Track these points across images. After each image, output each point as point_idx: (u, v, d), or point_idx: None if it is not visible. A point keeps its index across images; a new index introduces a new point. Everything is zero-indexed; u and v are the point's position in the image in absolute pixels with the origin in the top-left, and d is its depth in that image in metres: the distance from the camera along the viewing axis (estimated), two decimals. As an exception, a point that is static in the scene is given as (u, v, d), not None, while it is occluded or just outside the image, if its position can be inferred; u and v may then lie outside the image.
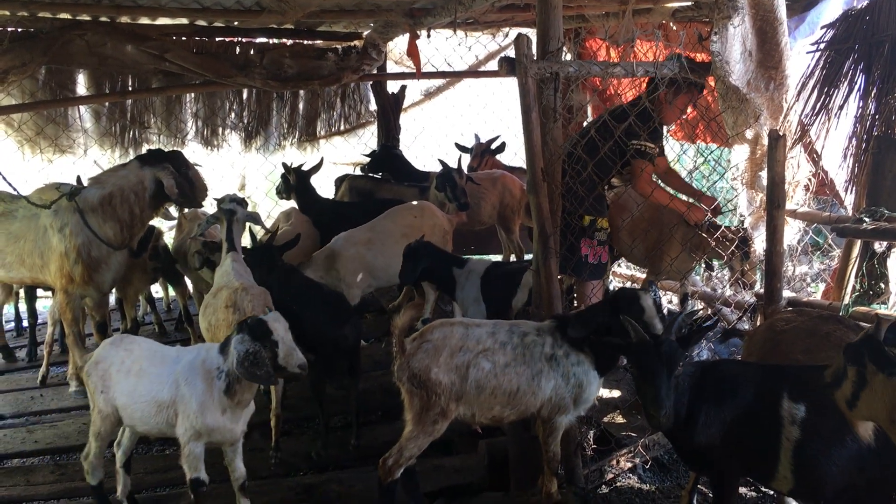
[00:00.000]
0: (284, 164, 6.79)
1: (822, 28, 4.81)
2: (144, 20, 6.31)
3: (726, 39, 3.93)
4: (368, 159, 7.37)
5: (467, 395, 3.21)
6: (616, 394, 4.81)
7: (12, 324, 7.12)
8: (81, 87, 7.07)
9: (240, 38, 6.87)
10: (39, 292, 6.69)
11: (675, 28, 5.97)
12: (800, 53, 4.80)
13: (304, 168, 6.70)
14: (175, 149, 5.69)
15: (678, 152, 8.04)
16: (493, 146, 7.34)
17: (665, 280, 6.30)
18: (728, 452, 2.87)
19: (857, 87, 4.48)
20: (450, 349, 3.21)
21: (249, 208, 4.77)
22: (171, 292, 7.35)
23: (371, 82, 8.16)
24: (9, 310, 6.86)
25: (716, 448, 2.88)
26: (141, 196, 4.98)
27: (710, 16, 4.12)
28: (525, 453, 3.71)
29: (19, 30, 5.97)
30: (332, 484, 3.91)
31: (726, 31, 3.91)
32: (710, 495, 3.46)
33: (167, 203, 5.19)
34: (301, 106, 8.22)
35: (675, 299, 6.37)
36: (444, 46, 7.96)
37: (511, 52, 3.79)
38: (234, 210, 4.57)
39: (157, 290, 7.60)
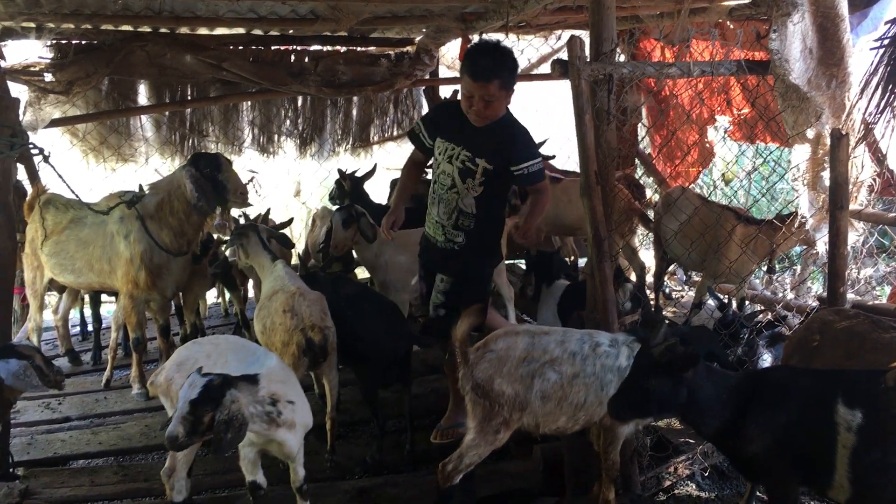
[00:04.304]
0: (340, 171, 6.86)
1: (885, 24, 4.67)
2: (203, 31, 6.45)
3: (785, 37, 3.84)
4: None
5: (531, 405, 3.14)
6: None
7: (78, 328, 7.34)
8: (142, 96, 7.27)
9: (294, 47, 6.97)
10: (103, 297, 6.89)
11: (731, 27, 5.86)
12: (862, 50, 4.66)
13: (358, 174, 6.76)
14: (209, 151, 5.66)
15: (736, 153, 7.91)
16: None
17: (723, 284, 6.20)
18: (782, 461, 2.78)
19: (923, 83, 4.34)
20: (514, 359, 3.14)
21: (304, 213, 4.84)
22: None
23: (423, 87, 8.20)
24: (74, 314, 7.05)
25: (769, 457, 2.79)
26: (182, 200, 5.01)
27: (768, 13, 4.02)
28: (581, 459, 3.67)
29: (83, 42, 6.18)
30: (386, 488, 3.92)
31: (785, 28, 3.82)
32: (770, 504, 3.37)
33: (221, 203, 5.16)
34: (354, 112, 8.30)
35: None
36: (496, 50, 7.94)
37: (564, 55, 3.77)
38: (256, 226, 4.83)
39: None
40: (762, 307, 5.80)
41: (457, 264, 3.85)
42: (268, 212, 6.48)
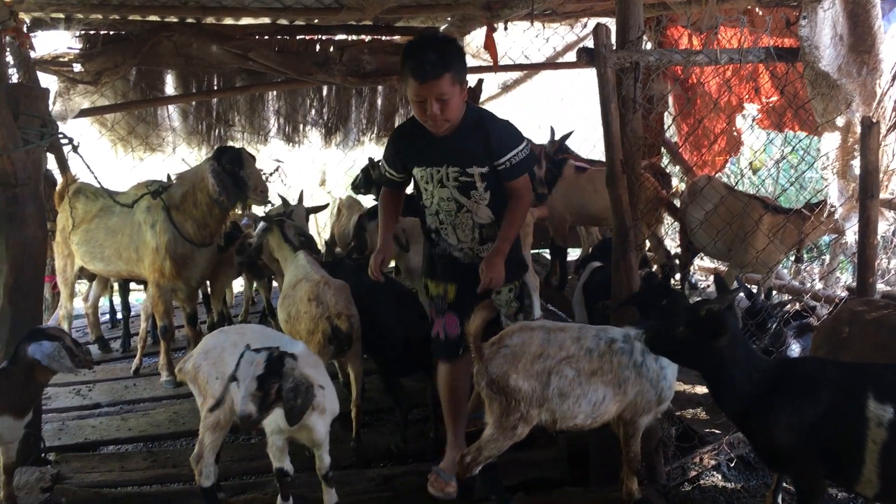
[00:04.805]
0: (370, 159, 6.84)
1: (919, 9, 4.59)
2: (228, 20, 6.49)
3: (815, 24, 3.78)
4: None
5: (549, 402, 3.11)
6: (699, 389, 4.70)
7: (107, 316, 7.44)
8: (170, 86, 7.32)
9: (320, 36, 6.98)
10: (132, 285, 6.99)
11: (760, 13, 5.78)
12: (894, 37, 4.59)
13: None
14: (233, 145, 5.69)
15: (764, 141, 7.82)
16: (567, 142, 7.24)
17: (750, 273, 6.14)
18: (809, 454, 2.75)
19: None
20: (530, 355, 3.11)
21: (329, 202, 4.87)
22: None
23: (448, 76, 8.17)
24: (104, 302, 7.16)
25: (796, 449, 2.76)
26: (205, 193, 5.07)
27: (797, 0, 3.97)
28: (605, 448, 3.66)
29: (111, 33, 6.24)
30: (411, 476, 3.94)
31: (815, 15, 3.76)
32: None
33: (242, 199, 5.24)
34: (379, 102, 8.30)
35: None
36: (521, 38, 7.90)
37: (590, 43, 3.74)
38: (283, 220, 4.86)
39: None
40: (790, 297, 5.74)
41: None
42: (301, 195, 6.48)
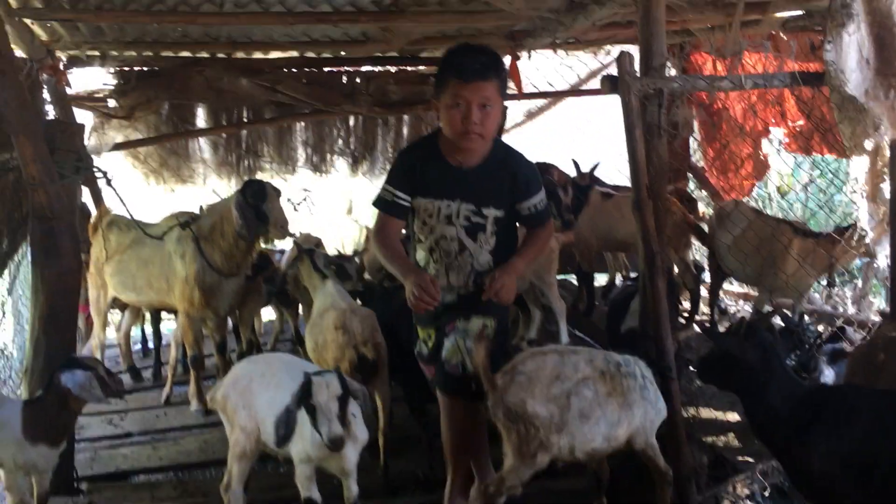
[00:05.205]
0: None
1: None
2: (258, 55, 6.63)
3: (841, 48, 3.77)
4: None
5: (568, 426, 3.06)
6: (731, 416, 4.64)
7: (139, 345, 7.52)
8: (200, 119, 7.47)
9: (346, 67, 7.09)
10: (163, 315, 7.06)
11: (785, 38, 5.78)
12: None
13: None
14: (260, 179, 5.76)
15: (792, 165, 7.76)
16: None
17: (781, 299, 6.07)
18: (847, 485, 2.70)
19: None
20: (545, 379, 3.08)
21: (356, 230, 4.92)
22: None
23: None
24: (136, 332, 7.24)
25: (835, 477, 2.72)
26: (231, 225, 5.12)
27: (822, 24, 3.97)
28: (633, 475, 3.62)
29: (144, 69, 6.40)
30: (439, 504, 3.92)
31: (841, 39, 3.75)
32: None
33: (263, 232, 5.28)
34: (406, 131, 8.38)
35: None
36: (544, 66, 7.95)
37: (613, 70, 3.76)
38: (313, 249, 4.92)
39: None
40: (823, 321, 5.68)
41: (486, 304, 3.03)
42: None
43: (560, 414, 3.06)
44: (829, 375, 4.18)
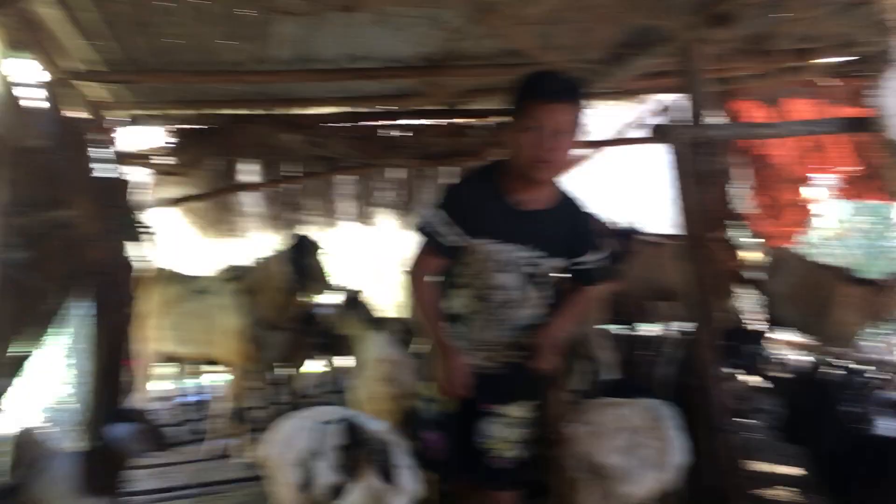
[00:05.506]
0: None
1: None
2: (302, 111, 6.77)
3: (887, 93, 3.75)
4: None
5: (633, 474, 3.10)
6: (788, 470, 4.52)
7: (185, 398, 7.57)
8: (247, 173, 7.61)
9: (388, 121, 7.20)
10: (208, 367, 7.12)
11: (829, 84, 5.76)
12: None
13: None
14: (306, 235, 5.85)
15: (838, 210, 7.67)
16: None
17: (832, 347, 5.94)
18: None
19: None
20: (610, 430, 3.14)
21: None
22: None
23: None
24: (182, 385, 7.30)
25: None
26: (276, 279, 5.26)
27: (866, 70, 3.96)
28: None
29: (198, 126, 6.58)
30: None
31: (886, 83, 3.74)
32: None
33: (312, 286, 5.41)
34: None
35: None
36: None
37: (657, 118, 3.79)
38: (357, 301, 5.13)
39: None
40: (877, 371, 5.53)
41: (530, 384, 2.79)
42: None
43: (627, 462, 3.09)
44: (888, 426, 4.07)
